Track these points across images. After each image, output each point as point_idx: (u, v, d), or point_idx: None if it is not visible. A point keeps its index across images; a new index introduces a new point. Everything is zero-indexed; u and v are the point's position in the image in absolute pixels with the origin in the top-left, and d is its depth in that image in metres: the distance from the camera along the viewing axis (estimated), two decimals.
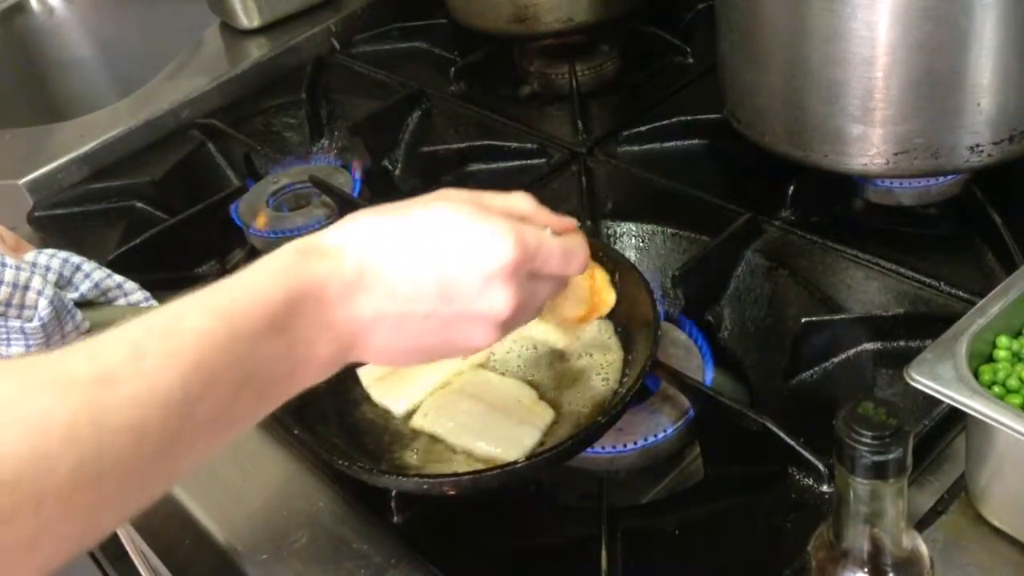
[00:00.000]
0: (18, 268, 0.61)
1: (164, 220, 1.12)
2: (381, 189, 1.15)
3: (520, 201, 0.62)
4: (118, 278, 0.69)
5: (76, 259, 0.67)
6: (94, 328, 0.66)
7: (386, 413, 0.76)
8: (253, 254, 1.03)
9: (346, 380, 0.77)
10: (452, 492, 0.66)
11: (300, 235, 1.03)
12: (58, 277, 0.66)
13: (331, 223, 1.08)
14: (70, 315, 0.63)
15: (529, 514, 0.73)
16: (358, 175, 1.12)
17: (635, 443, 0.74)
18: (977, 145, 0.82)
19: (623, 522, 0.69)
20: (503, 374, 0.77)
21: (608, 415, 0.67)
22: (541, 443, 0.71)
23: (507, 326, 0.58)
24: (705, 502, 0.73)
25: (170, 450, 0.46)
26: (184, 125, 1.29)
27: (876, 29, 0.78)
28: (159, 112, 1.28)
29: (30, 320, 0.61)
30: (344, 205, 1.07)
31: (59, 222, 1.18)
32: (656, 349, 0.71)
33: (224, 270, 1.09)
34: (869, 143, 0.84)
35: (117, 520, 0.48)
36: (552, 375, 0.77)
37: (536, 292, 0.60)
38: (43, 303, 0.61)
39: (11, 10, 1.63)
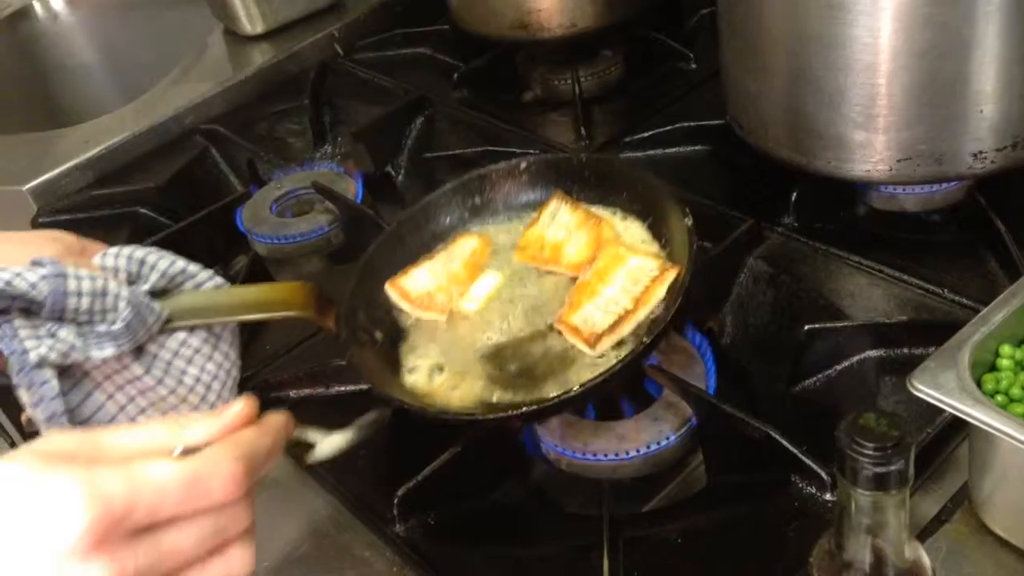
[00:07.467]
0: (92, 278, 0.62)
1: (168, 226, 1.12)
2: (384, 195, 1.15)
3: (151, 432, 0.51)
4: (181, 263, 0.68)
5: (139, 253, 0.67)
6: (173, 316, 0.66)
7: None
8: (256, 260, 1.03)
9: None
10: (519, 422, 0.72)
11: (304, 241, 1.06)
12: (127, 275, 0.66)
13: (334, 229, 1.06)
14: (149, 309, 0.64)
15: (531, 522, 0.73)
16: (359, 183, 1.12)
17: (637, 451, 0.74)
18: (980, 152, 0.82)
19: (625, 530, 0.69)
20: None
21: (653, 334, 0.71)
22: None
23: None
24: (708, 510, 0.73)
25: None
26: (188, 131, 1.30)
27: (879, 36, 0.78)
28: (163, 118, 1.29)
29: (114, 323, 0.62)
30: (347, 211, 1.07)
31: (63, 228, 1.17)
32: (687, 279, 0.74)
33: (228, 276, 1.08)
34: (872, 149, 0.84)
35: None
36: None
37: (170, 542, 0.46)
38: (122, 305, 0.63)
39: (15, 16, 1.64)
